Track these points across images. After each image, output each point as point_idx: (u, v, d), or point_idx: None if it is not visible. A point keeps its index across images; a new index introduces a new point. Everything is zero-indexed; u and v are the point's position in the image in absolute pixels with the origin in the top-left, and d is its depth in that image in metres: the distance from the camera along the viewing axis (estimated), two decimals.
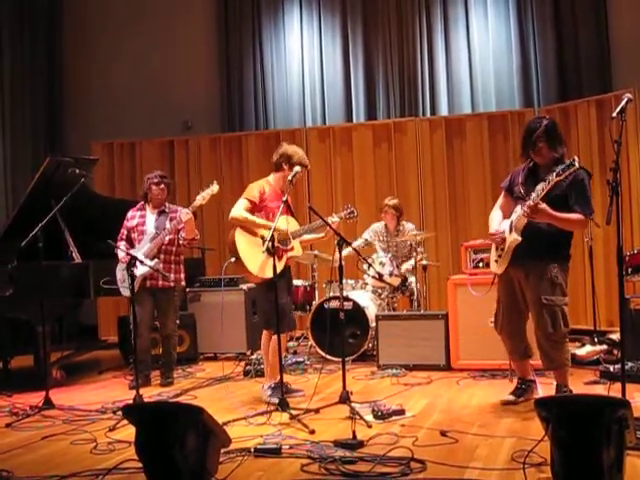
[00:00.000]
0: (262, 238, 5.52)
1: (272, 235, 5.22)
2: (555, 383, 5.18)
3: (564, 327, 4.97)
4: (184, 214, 6.38)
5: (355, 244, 7.84)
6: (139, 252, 6.41)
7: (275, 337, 5.51)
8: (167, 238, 6.55)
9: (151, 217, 6.73)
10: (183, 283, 6.88)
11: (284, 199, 5.47)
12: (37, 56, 10.66)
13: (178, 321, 6.95)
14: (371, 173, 9.65)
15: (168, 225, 6.55)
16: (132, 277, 5.61)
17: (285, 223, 5.61)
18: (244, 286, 7.99)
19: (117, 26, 10.93)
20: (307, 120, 10.39)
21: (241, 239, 5.65)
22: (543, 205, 4.74)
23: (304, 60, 10.44)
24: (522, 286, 5.12)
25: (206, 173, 10.05)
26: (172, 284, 6.64)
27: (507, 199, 5.29)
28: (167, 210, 6.75)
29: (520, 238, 4.95)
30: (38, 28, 10.68)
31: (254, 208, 5.73)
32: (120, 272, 6.66)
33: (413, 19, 9.99)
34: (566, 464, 3.26)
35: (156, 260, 6.43)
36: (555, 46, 9.45)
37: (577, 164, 4.59)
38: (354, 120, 10.19)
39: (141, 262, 5.93)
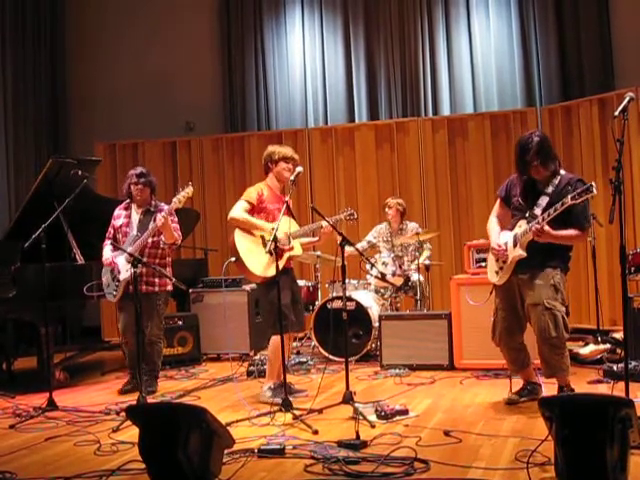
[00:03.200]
0: (262, 238, 5.56)
1: (274, 235, 5.22)
2: (557, 385, 5.18)
3: (565, 332, 4.99)
4: (158, 219, 6.10)
5: (358, 246, 7.84)
6: (121, 256, 6.25)
7: (276, 337, 5.52)
8: (150, 240, 6.27)
9: (135, 217, 6.44)
10: (169, 288, 6.48)
11: (286, 199, 5.49)
12: (40, 57, 10.66)
13: (163, 327, 6.68)
14: (373, 173, 9.65)
15: (151, 226, 6.22)
16: (136, 278, 5.55)
17: (287, 225, 5.64)
18: (247, 287, 7.98)
19: (119, 27, 10.92)
20: (309, 120, 10.38)
21: (241, 240, 5.67)
22: (547, 228, 4.82)
23: (306, 60, 10.43)
24: (522, 292, 5.11)
25: (209, 174, 10.08)
26: (156, 289, 6.37)
27: (504, 209, 5.35)
28: (153, 209, 6.40)
29: (525, 254, 4.98)
30: (40, 29, 10.68)
31: (253, 210, 5.76)
32: (105, 276, 6.48)
33: (415, 19, 9.98)
34: (570, 463, 3.26)
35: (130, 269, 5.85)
36: (557, 45, 9.43)
37: (594, 190, 4.59)
38: (356, 120, 10.17)
39: (143, 263, 5.71)
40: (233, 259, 5.68)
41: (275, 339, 5.59)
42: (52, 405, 5.62)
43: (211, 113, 10.76)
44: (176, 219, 6.42)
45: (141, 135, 10.34)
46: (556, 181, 5.01)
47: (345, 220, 5.88)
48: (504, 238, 5.16)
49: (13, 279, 6.42)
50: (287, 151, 5.93)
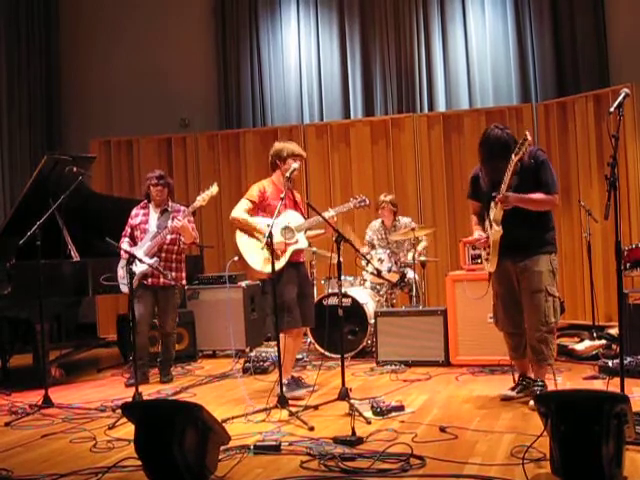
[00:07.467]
0: (263, 234, 5.58)
1: (270, 232, 5.21)
2: (533, 376, 5.19)
3: (559, 318, 5.08)
4: (175, 222, 6.39)
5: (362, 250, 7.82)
6: (140, 250, 6.45)
7: (282, 334, 5.50)
8: (168, 237, 6.55)
9: (154, 216, 6.72)
10: (184, 282, 6.91)
11: (282, 196, 5.47)
12: (34, 54, 10.64)
13: (177, 319, 6.94)
14: (369, 169, 9.64)
15: (170, 224, 6.52)
16: (131, 274, 5.60)
17: (290, 219, 5.68)
18: (243, 283, 8.01)
19: (113, 23, 10.91)
20: (305, 117, 10.39)
21: (242, 237, 5.75)
22: (509, 193, 4.89)
23: (301, 56, 10.43)
24: (519, 278, 5.12)
25: (204, 170, 10.06)
26: (173, 282, 6.63)
27: (478, 206, 5.44)
28: (170, 209, 6.71)
29: (501, 229, 4.99)
30: (34, 25, 10.66)
31: (255, 208, 5.80)
32: (121, 269, 6.67)
33: (410, 15, 9.99)
34: (565, 459, 3.27)
35: (155, 259, 6.44)
36: (552, 41, 9.45)
37: (529, 137, 4.72)
38: (352, 116, 10.18)
39: (139, 260, 5.89)
40: (236, 258, 5.75)
41: (282, 336, 5.55)
42: (48, 402, 5.63)
43: (206, 109, 10.76)
44: (192, 218, 6.64)
45: (136, 131, 10.32)
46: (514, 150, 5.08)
47: (355, 208, 5.86)
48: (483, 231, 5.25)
49: (8, 276, 6.41)
50: (295, 148, 5.92)
